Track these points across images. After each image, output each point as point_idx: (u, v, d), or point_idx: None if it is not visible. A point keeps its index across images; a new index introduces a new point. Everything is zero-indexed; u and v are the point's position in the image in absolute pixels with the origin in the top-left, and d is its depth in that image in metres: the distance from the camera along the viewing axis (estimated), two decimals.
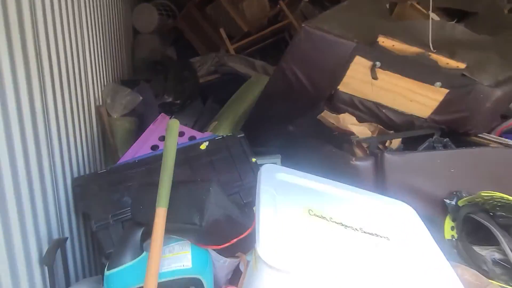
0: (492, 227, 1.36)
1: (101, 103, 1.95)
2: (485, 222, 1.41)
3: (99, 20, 2.08)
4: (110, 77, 2.18)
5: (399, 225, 1.29)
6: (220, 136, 1.62)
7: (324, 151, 1.77)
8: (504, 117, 2.07)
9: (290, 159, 1.85)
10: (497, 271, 1.33)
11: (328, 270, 0.97)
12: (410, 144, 1.76)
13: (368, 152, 1.67)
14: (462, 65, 1.53)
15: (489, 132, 1.96)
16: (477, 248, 1.48)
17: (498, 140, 1.77)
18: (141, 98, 2.02)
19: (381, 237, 1.19)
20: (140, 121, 2.05)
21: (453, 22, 1.87)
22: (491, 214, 1.45)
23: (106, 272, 1.16)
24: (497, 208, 1.44)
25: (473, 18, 2.06)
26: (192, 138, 1.72)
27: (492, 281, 1.26)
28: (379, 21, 1.76)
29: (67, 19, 1.51)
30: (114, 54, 2.39)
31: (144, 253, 1.17)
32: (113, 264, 1.17)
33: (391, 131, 1.76)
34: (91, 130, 1.72)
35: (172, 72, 2.49)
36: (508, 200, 1.38)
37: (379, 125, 1.76)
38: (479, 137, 1.84)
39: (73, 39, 1.59)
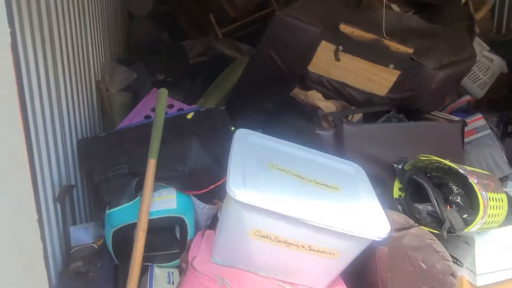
0: (426, 185, 1.65)
1: (100, 79, 2.19)
2: (422, 181, 1.69)
3: (99, 4, 2.31)
4: (108, 56, 2.42)
5: (348, 179, 1.57)
6: (204, 108, 1.88)
7: (296, 124, 2.04)
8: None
9: (269, 134, 2.12)
10: (428, 219, 1.62)
11: (285, 205, 1.25)
12: (370, 119, 2.04)
13: (332, 124, 1.95)
14: (410, 50, 1.80)
15: (441, 110, 2.25)
16: (417, 204, 1.77)
17: (444, 117, 2.06)
18: (135, 75, 2.27)
19: (331, 187, 1.48)
20: (135, 96, 2.30)
21: (410, 13, 2.14)
22: (429, 175, 1.74)
23: (107, 211, 1.43)
24: (434, 170, 1.72)
25: (433, 9, 2.32)
26: (180, 110, 1.98)
27: (420, 226, 1.55)
28: (345, 10, 2.02)
29: (72, 4, 1.75)
30: (112, 35, 2.62)
31: (138, 197, 1.44)
32: (113, 205, 1.44)
33: (353, 107, 2.04)
34: (92, 101, 1.97)
35: (165, 54, 2.72)
36: (442, 162, 1.66)
37: (343, 102, 2.04)
38: (431, 114, 2.13)
39: (77, 22, 1.83)
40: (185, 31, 3.64)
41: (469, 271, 1.69)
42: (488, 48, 2.60)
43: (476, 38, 2.56)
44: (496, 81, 2.65)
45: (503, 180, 2.17)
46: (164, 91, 1.50)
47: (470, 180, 1.53)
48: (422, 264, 1.44)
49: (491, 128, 2.19)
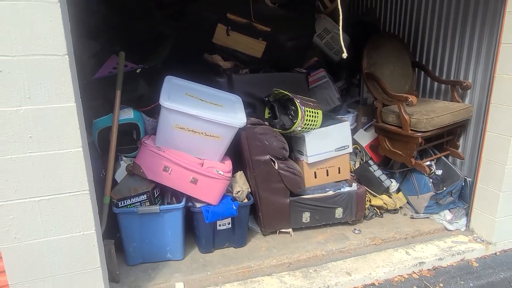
0: (275, 106, 2.95)
1: None
2: (275, 104, 2.99)
3: None
4: None
5: (230, 102, 2.82)
6: (147, 66, 3.02)
7: (206, 75, 3.24)
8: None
9: (191, 80, 3.30)
10: (277, 125, 2.93)
11: (191, 109, 2.46)
12: (254, 71, 3.30)
13: (226, 74, 3.18)
14: (268, 29, 3.06)
15: (300, 67, 3.56)
16: (276, 120, 3.08)
17: (298, 70, 3.38)
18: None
19: (219, 105, 2.72)
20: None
21: (275, 5, 3.37)
22: (281, 101, 3.04)
23: (94, 120, 2.57)
24: (282, 98, 3.02)
25: (292, 3, 3.57)
26: (132, 67, 3.09)
27: (274, 128, 2.86)
28: (235, 3, 3.21)
29: None
30: None
31: (111, 113, 2.59)
32: (97, 116, 2.58)
33: (242, 65, 3.28)
34: None
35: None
36: (284, 93, 2.95)
37: (235, 61, 3.27)
38: (292, 69, 3.43)
39: None
40: None
41: (305, 156, 3.04)
42: (339, 27, 3.93)
43: (330, 19, 3.88)
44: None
45: (336, 108, 3.56)
46: (122, 54, 2.62)
47: (295, 100, 2.84)
48: (266, 142, 2.75)
49: (328, 77, 3.55)
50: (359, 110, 3.87)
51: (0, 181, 1.67)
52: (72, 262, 1.87)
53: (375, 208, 3.30)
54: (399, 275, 2.65)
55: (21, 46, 1.54)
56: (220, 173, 2.55)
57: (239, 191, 2.68)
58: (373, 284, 2.57)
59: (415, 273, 2.69)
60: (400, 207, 3.39)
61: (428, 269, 2.73)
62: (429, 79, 3.58)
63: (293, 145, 3.19)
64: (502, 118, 2.71)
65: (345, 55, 2.26)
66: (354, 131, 3.82)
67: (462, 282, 2.61)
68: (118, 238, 2.56)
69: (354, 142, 3.73)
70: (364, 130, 3.78)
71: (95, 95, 2.66)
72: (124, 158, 2.74)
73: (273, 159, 2.80)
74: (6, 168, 1.66)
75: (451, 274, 2.70)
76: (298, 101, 2.86)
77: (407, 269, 2.68)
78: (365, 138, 3.73)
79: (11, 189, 1.69)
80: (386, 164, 3.71)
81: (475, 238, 2.99)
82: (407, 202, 3.42)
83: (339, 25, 3.93)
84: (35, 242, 1.78)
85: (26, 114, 1.62)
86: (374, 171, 3.39)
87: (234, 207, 2.61)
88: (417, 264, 2.71)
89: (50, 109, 1.65)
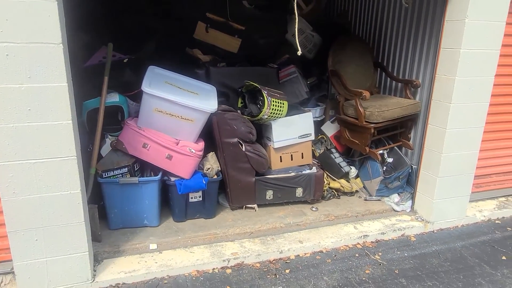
0: (247, 96, 3.34)
1: None
2: (246, 95, 3.38)
3: None
4: None
5: (205, 91, 3.20)
6: (133, 56, 3.39)
7: (189, 67, 3.62)
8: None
9: (174, 71, 3.68)
10: (246, 112, 3.32)
11: (169, 95, 2.84)
12: (231, 65, 3.68)
13: (205, 67, 3.56)
14: (243, 28, 3.45)
15: (274, 62, 3.95)
16: (246, 109, 3.47)
17: (270, 65, 3.77)
18: None
19: (195, 93, 3.10)
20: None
21: (252, 7, 3.76)
22: (252, 92, 3.43)
23: (84, 102, 2.95)
24: (253, 89, 3.41)
25: (268, 5, 3.96)
26: (120, 57, 3.46)
27: (243, 115, 3.25)
28: (214, 4, 3.59)
29: None
30: None
31: (99, 97, 2.96)
32: (87, 99, 2.96)
33: (220, 59, 3.66)
34: None
35: None
36: (254, 85, 3.34)
37: (214, 56, 3.65)
38: (267, 64, 3.83)
39: None
40: None
41: (272, 142, 3.44)
42: (312, 28, 4.33)
43: (304, 20, 4.27)
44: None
45: (304, 100, 3.96)
46: (110, 45, 2.99)
47: (263, 92, 3.24)
48: (235, 127, 3.15)
49: (298, 73, 3.95)
50: (327, 104, 4.27)
51: (3, 145, 2.04)
52: (60, 216, 2.25)
53: (333, 190, 3.72)
54: (344, 245, 3.07)
55: (25, 35, 1.92)
56: (192, 151, 2.94)
57: (209, 168, 3.07)
58: (321, 251, 2.98)
59: (359, 244, 3.11)
60: (356, 191, 3.81)
61: (371, 241, 3.15)
62: (389, 77, 4.00)
63: (263, 132, 3.59)
64: (439, 112, 3.13)
65: (299, 52, 2.65)
66: (322, 122, 4.23)
67: (399, 252, 3.03)
68: (102, 206, 2.94)
69: (321, 132, 4.15)
70: (331, 122, 4.19)
71: (86, 81, 3.03)
72: (109, 136, 3.12)
73: (241, 142, 3.20)
74: (8, 134, 2.03)
75: (390, 245, 3.12)
76: (266, 92, 3.26)
77: (352, 240, 3.10)
78: (331, 129, 4.14)
79: (11, 152, 2.06)
80: (348, 152, 4.13)
81: (416, 218, 3.42)
82: (363, 187, 3.84)
83: (311, 27, 4.34)
84: (30, 197, 2.16)
85: (27, 91, 2.00)
86: (335, 158, 3.80)
87: (204, 182, 3.01)
88: (362, 236, 3.13)
89: (46, 87, 2.02)
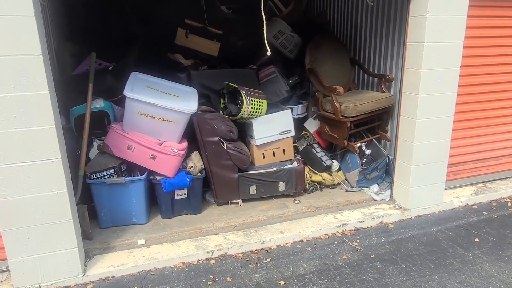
0: (227, 97, 3.51)
1: None
2: (226, 95, 3.55)
3: None
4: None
5: (186, 94, 3.37)
6: (118, 64, 3.57)
7: (169, 71, 3.79)
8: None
9: (157, 76, 3.86)
10: (226, 112, 3.49)
11: (150, 98, 3.01)
12: (212, 67, 3.85)
13: (186, 71, 3.73)
14: (220, 32, 3.62)
15: (254, 63, 4.12)
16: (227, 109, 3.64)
17: (250, 66, 3.93)
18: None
19: (176, 96, 3.27)
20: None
21: (230, 11, 3.93)
22: (232, 92, 3.60)
23: (71, 109, 3.12)
24: (233, 90, 3.57)
25: (244, 9, 4.13)
26: (106, 65, 3.64)
27: (224, 115, 3.42)
28: (194, 10, 3.77)
29: None
30: None
31: (85, 103, 3.14)
32: (73, 106, 3.13)
33: (201, 62, 3.83)
34: None
35: None
36: (233, 85, 3.50)
37: (195, 60, 3.82)
38: (247, 65, 3.99)
39: None
40: None
41: (254, 139, 3.60)
42: (291, 29, 4.49)
43: (284, 22, 4.43)
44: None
45: (284, 99, 4.12)
46: (93, 54, 3.17)
47: (241, 92, 3.40)
48: (215, 126, 3.31)
49: (278, 72, 4.11)
50: (309, 101, 4.43)
51: None
52: (49, 214, 2.42)
53: (316, 183, 3.87)
54: (324, 234, 3.22)
55: (7, 48, 2.09)
56: (174, 151, 3.11)
57: (192, 166, 3.24)
58: (301, 241, 3.14)
59: (338, 232, 3.26)
60: (338, 183, 3.96)
61: (350, 230, 3.30)
62: (365, 73, 4.16)
63: (246, 130, 3.75)
64: (409, 104, 3.28)
65: (268, 53, 2.81)
66: (304, 119, 4.39)
67: (376, 239, 3.18)
68: (93, 206, 3.11)
69: (304, 128, 4.31)
70: (313, 118, 4.34)
71: (73, 88, 3.22)
72: (97, 140, 3.29)
73: (222, 140, 3.36)
74: None
75: (368, 233, 3.27)
76: (244, 92, 3.42)
77: (332, 229, 3.25)
78: (313, 125, 4.30)
79: (0, 156, 2.24)
80: (331, 147, 4.29)
81: (395, 206, 3.57)
82: (345, 179, 3.99)
83: (290, 28, 4.50)
84: (20, 198, 2.33)
85: (11, 99, 2.17)
86: (316, 152, 3.96)
87: (188, 179, 3.17)
88: (341, 225, 3.28)
89: (29, 95, 2.19)
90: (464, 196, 3.80)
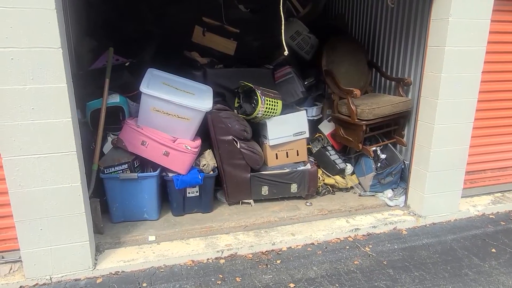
0: (242, 96, 3.49)
1: None
2: (241, 94, 3.53)
3: None
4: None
5: (201, 91, 3.36)
6: (135, 60, 3.58)
7: (185, 68, 3.79)
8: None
9: (173, 73, 3.86)
10: (241, 111, 3.47)
11: (165, 95, 3.01)
12: (228, 66, 3.84)
13: (202, 69, 3.73)
14: (237, 31, 3.60)
15: (270, 63, 4.09)
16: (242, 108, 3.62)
17: (267, 66, 3.90)
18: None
19: (191, 93, 3.26)
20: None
21: (247, 10, 3.91)
22: (247, 93, 3.58)
23: (87, 103, 3.14)
24: (248, 89, 3.55)
25: (263, 9, 4.10)
26: (123, 61, 3.66)
27: (238, 114, 3.40)
28: (211, 9, 3.76)
29: None
30: None
31: (101, 98, 3.16)
32: (90, 100, 3.15)
33: (217, 61, 3.82)
34: None
35: None
36: (249, 85, 3.48)
37: (211, 58, 3.82)
38: (262, 65, 3.97)
39: None
40: None
41: (268, 139, 3.57)
42: (308, 30, 4.46)
43: (301, 23, 4.40)
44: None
45: (300, 100, 4.08)
46: (111, 49, 3.19)
47: (257, 91, 3.38)
48: (229, 125, 3.29)
49: (294, 73, 4.07)
50: (324, 103, 4.39)
51: (9, 141, 2.24)
52: (63, 206, 2.43)
53: (328, 186, 3.82)
54: (336, 238, 3.17)
55: (27, 40, 2.11)
56: (188, 148, 3.10)
57: (205, 164, 3.23)
58: (312, 244, 3.09)
59: (350, 237, 3.21)
60: (352, 187, 3.90)
61: (362, 235, 3.24)
62: (383, 76, 4.09)
63: (260, 130, 3.72)
64: (427, 109, 3.21)
65: (286, 52, 2.78)
66: (319, 121, 4.34)
67: (389, 245, 3.12)
68: (105, 201, 3.13)
69: (318, 130, 4.26)
70: (328, 121, 4.29)
71: (90, 82, 3.24)
72: (111, 135, 3.30)
73: (236, 139, 3.34)
74: (14, 131, 2.22)
75: (381, 238, 3.21)
76: (259, 91, 3.40)
77: (344, 233, 3.20)
78: (328, 127, 4.25)
79: (17, 147, 2.25)
80: (345, 150, 4.23)
81: (409, 212, 3.49)
82: (359, 183, 3.93)
83: (308, 29, 4.47)
84: (35, 189, 2.35)
85: (30, 91, 2.19)
86: (330, 155, 3.91)
87: (200, 177, 3.16)
88: (353, 230, 3.22)
89: (48, 88, 2.21)
90: (481, 205, 3.70)
